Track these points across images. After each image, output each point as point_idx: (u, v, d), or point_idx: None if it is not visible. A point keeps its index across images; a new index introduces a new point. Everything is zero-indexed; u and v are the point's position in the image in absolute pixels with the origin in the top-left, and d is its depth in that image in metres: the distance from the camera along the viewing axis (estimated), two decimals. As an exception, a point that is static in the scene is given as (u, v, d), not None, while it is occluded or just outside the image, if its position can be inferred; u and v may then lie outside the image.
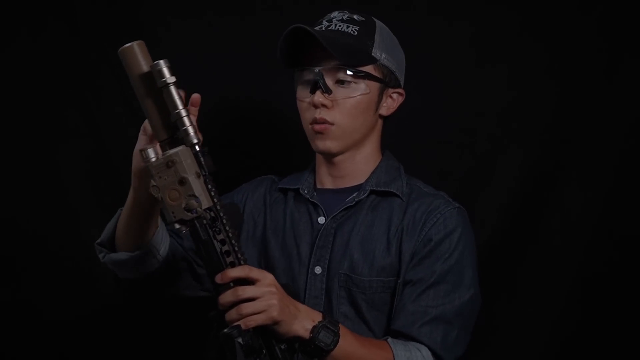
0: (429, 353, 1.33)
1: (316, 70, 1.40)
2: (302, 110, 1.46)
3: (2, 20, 1.93)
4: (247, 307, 1.15)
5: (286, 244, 1.48)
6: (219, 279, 1.16)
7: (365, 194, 1.46)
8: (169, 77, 1.12)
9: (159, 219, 1.40)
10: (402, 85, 1.51)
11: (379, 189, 1.47)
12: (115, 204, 1.91)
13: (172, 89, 1.13)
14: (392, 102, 1.49)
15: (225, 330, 1.14)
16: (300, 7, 1.88)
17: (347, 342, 1.25)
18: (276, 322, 1.18)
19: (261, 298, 1.16)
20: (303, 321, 1.22)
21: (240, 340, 1.13)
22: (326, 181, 1.51)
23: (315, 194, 1.50)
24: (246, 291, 1.16)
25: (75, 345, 1.97)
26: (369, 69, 1.43)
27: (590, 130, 1.84)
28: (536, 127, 1.86)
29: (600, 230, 1.83)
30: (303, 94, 1.44)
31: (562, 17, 1.83)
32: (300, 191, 1.51)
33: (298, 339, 1.22)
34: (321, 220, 1.46)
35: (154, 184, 1.13)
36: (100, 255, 1.42)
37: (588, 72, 1.83)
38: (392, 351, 1.30)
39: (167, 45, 1.86)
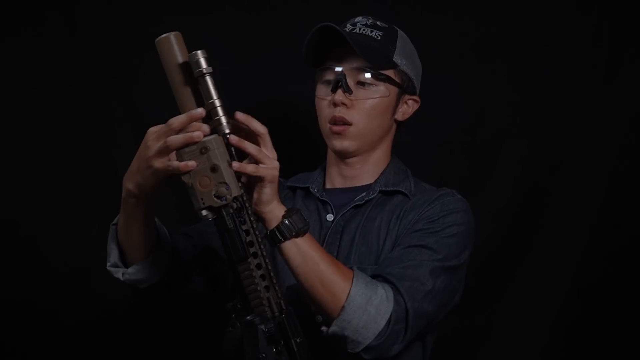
0: (391, 293, 1.28)
1: (339, 69, 1.45)
2: (321, 108, 1.50)
3: (1, 20, 1.92)
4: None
5: None
6: (236, 166, 1.16)
7: (375, 194, 1.50)
8: (205, 68, 1.15)
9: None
10: (418, 93, 1.56)
11: (387, 189, 1.50)
12: (114, 204, 1.92)
13: (208, 79, 1.15)
14: (407, 108, 1.54)
15: (248, 317, 1.16)
16: (303, 5, 1.92)
17: (315, 244, 1.26)
18: (271, 182, 1.20)
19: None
20: (280, 204, 1.24)
21: (263, 327, 1.15)
22: (336, 181, 1.55)
23: (324, 193, 1.54)
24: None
25: (74, 349, 1.96)
26: (389, 73, 1.48)
27: (591, 129, 1.88)
28: (536, 126, 1.90)
29: (601, 229, 1.87)
30: (323, 93, 1.49)
31: (563, 16, 1.88)
32: (310, 189, 1.54)
33: (271, 215, 1.23)
34: (330, 217, 1.50)
35: None
36: (119, 275, 1.36)
37: (588, 70, 1.87)
38: (352, 280, 1.26)
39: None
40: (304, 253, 1.24)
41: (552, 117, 1.90)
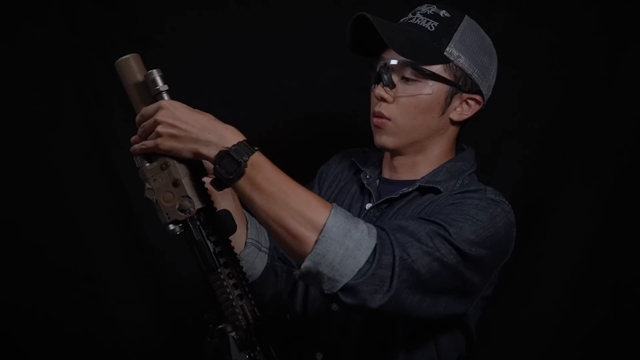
0: (374, 230, 1.15)
1: (381, 62, 1.39)
2: (371, 99, 1.45)
3: (1, 18, 1.93)
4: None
5: None
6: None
7: (413, 188, 1.41)
8: (161, 86, 1.19)
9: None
10: (483, 93, 1.42)
11: (426, 185, 1.41)
12: (114, 203, 1.96)
13: (165, 96, 1.19)
14: (467, 108, 1.42)
15: (220, 326, 1.19)
16: (296, 4, 1.93)
17: (273, 172, 1.14)
18: (171, 149, 1.16)
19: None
20: (211, 145, 1.14)
21: (234, 334, 1.17)
22: (385, 171, 1.50)
23: (375, 181, 1.49)
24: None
25: (75, 351, 1.99)
26: (437, 68, 1.37)
27: (592, 129, 1.86)
28: (537, 126, 1.89)
29: (602, 228, 1.85)
30: (371, 83, 1.43)
31: (563, 15, 1.86)
32: (362, 176, 1.51)
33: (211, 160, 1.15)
34: (368, 206, 1.46)
35: (149, 186, 1.19)
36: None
37: (589, 70, 1.85)
38: (331, 212, 1.13)
39: (167, 45, 1.92)
40: (259, 186, 1.13)
41: (552, 117, 1.89)
